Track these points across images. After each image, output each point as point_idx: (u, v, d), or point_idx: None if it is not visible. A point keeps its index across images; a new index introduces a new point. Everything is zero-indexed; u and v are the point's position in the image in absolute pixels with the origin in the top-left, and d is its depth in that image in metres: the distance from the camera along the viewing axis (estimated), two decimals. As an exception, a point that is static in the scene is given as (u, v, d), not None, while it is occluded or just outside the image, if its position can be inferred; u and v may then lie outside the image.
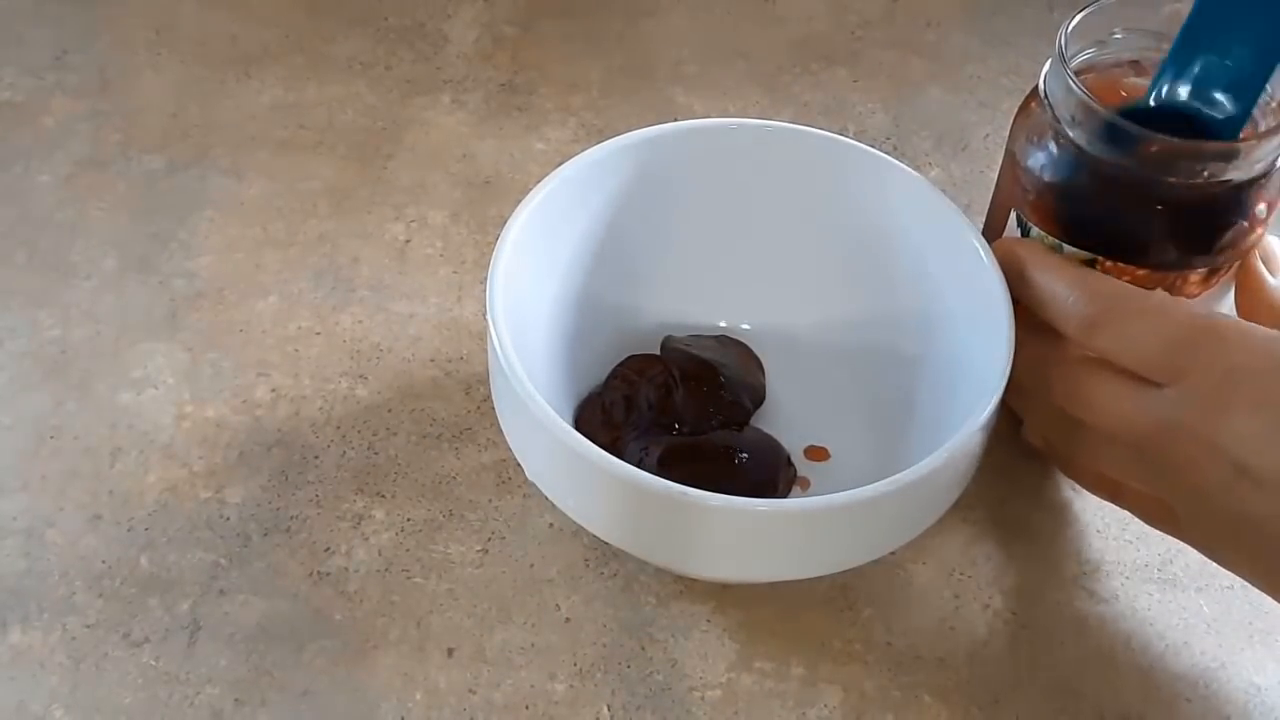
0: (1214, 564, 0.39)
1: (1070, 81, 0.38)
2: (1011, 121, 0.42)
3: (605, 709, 0.39)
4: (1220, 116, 0.38)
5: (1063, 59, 0.38)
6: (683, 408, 0.43)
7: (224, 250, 0.51)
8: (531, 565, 0.42)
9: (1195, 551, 0.39)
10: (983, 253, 0.40)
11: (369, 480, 0.44)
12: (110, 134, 0.55)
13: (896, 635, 0.41)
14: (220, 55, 0.59)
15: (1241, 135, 0.38)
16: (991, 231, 0.43)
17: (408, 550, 0.43)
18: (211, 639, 0.40)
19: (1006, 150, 0.42)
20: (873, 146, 0.44)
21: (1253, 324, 0.37)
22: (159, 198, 0.53)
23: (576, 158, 0.42)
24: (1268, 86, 0.38)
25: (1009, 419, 0.41)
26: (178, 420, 0.46)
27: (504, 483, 0.44)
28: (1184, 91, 0.38)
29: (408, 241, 0.52)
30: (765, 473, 0.42)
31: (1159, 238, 0.38)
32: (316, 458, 0.45)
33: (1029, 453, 0.44)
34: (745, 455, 0.42)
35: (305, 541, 0.43)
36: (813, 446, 0.44)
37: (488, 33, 0.61)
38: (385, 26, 0.61)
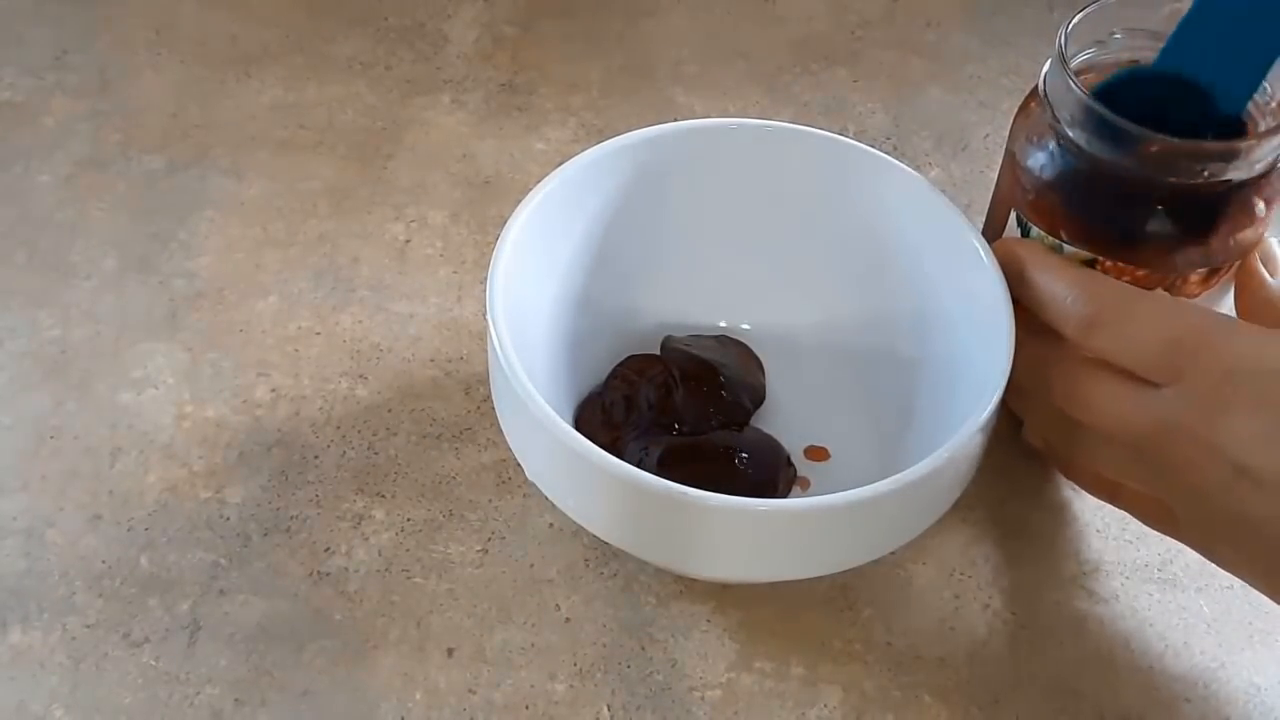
0: (1214, 564, 0.39)
1: (1070, 81, 0.38)
2: (1011, 121, 0.42)
3: (605, 709, 0.39)
4: (1226, 88, 0.38)
5: (1063, 59, 0.38)
6: (683, 408, 0.43)
7: (224, 250, 0.51)
8: (531, 565, 0.42)
9: (1195, 551, 0.39)
10: (983, 253, 0.40)
11: (369, 480, 0.44)
12: (110, 134, 0.55)
13: (896, 635, 0.41)
14: (220, 55, 0.59)
15: (1241, 135, 0.38)
16: (991, 231, 0.43)
17: (408, 550, 0.43)
18: (211, 639, 0.40)
19: (1006, 150, 0.42)
20: (873, 146, 0.44)
21: (1252, 324, 0.37)
22: (159, 198, 0.53)
23: (576, 158, 0.42)
24: (1266, 84, 0.38)
25: (1009, 419, 0.41)
26: (178, 420, 0.46)
27: (504, 483, 0.44)
28: (1193, 59, 0.38)
29: (408, 241, 0.52)
30: (765, 473, 0.42)
31: (1159, 238, 0.38)
32: (316, 458, 0.45)
33: (1029, 453, 0.44)
34: (745, 455, 0.42)
35: (305, 541, 0.43)
36: (813, 446, 0.44)
37: (488, 33, 0.61)
38: (385, 26, 0.61)
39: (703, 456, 0.42)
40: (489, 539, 0.43)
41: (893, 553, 0.38)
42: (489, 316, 0.38)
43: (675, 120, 0.44)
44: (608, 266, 0.44)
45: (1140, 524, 0.42)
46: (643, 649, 0.41)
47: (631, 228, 0.44)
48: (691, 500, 0.34)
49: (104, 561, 0.42)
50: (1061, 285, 0.38)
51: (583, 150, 0.43)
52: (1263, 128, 0.38)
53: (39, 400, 0.46)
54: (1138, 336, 0.36)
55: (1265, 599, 0.37)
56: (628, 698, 0.40)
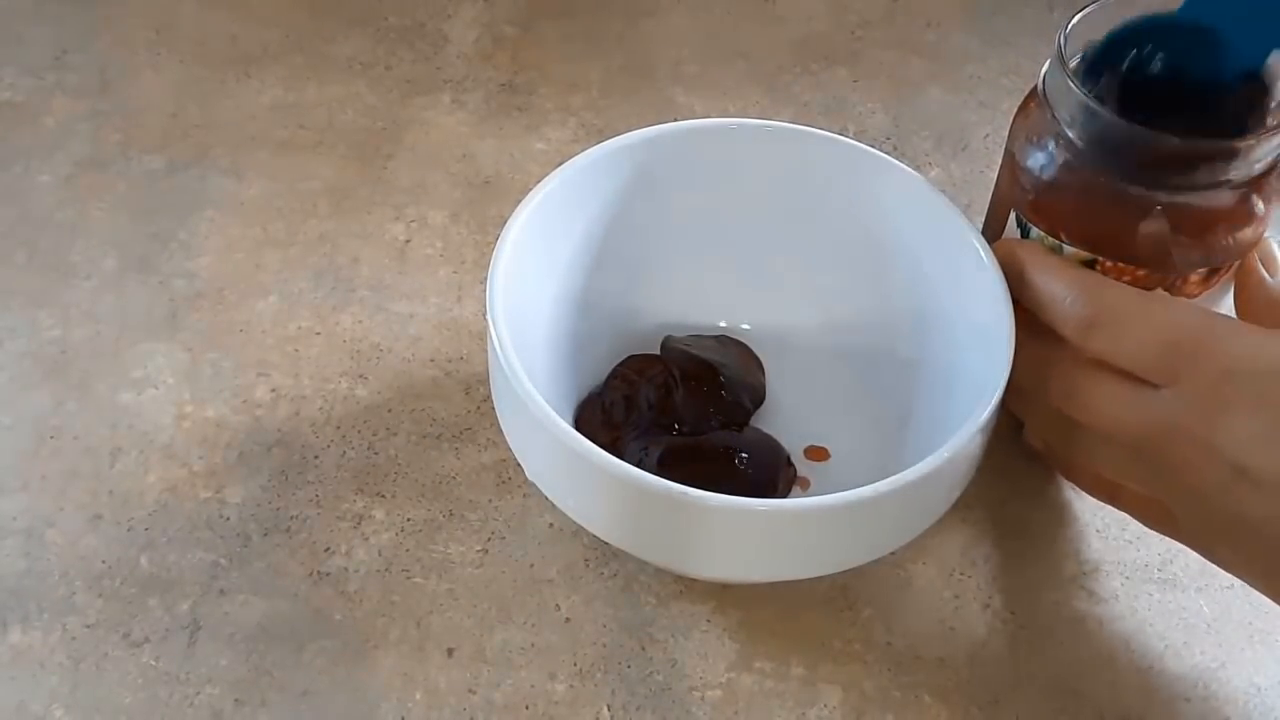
0: (1213, 564, 0.39)
1: (1070, 81, 0.38)
2: (1011, 121, 0.42)
3: (605, 709, 0.39)
4: (1246, 40, 0.37)
5: (1063, 59, 0.38)
6: (683, 408, 0.43)
7: (224, 250, 0.51)
8: (531, 565, 0.42)
9: (1194, 552, 0.39)
10: (983, 253, 0.40)
11: (369, 480, 0.44)
12: (110, 134, 0.55)
13: (896, 635, 0.41)
14: (220, 55, 0.59)
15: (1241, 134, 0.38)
16: (991, 232, 0.43)
17: (408, 550, 0.43)
18: (211, 639, 0.40)
19: (1006, 150, 0.42)
20: (873, 146, 0.44)
21: (1251, 324, 0.37)
22: (159, 198, 0.53)
23: (576, 158, 0.42)
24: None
25: (1009, 420, 0.41)
26: (178, 420, 0.46)
27: (504, 483, 0.44)
28: (1215, 7, 0.37)
29: (408, 241, 0.52)
30: (765, 473, 0.42)
31: (1159, 238, 0.38)
32: (316, 458, 0.45)
33: (1029, 453, 0.44)
34: (745, 455, 0.42)
35: (305, 541, 0.43)
36: (813, 446, 0.44)
37: (488, 33, 0.61)
38: (385, 26, 0.61)
39: (703, 456, 0.42)
40: (489, 539, 0.43)
41: (893, 553, 0.38)
42: (489, 316, 0.38)
43: (675, 120, 0.44)
44: (608, 266, 0.44)
45: (1140, 524, 0.42)
46: (643, 649, 0.41)
47: (631, 228, 0.44)
48: (691, 500, 0.34)
49: (104, 561, 0.42)
50: (1061, 286, 0.38)
51: (583, 150, 0.43)
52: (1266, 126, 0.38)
53: (39, 400, 0.46)
54: (1136, 337, 0.36)
55: (1265, 599, 0.37)
56: (628, 698, 0.40)
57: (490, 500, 0.44)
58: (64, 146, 0.55)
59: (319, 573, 0.42)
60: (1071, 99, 0.38)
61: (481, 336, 0.48)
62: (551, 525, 0.43)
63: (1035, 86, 0.40)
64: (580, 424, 0.43)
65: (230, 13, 0.61)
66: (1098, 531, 0.44)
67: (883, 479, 0.35)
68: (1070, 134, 0.38)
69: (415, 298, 0.50)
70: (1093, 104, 0.37)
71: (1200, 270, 0.39)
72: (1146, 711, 0.40)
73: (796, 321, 0.46)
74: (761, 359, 0.46)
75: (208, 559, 0.42)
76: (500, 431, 0.40)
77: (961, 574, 0.43)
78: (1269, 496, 0.34)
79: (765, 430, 0.44)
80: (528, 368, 0.37)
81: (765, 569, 0.38)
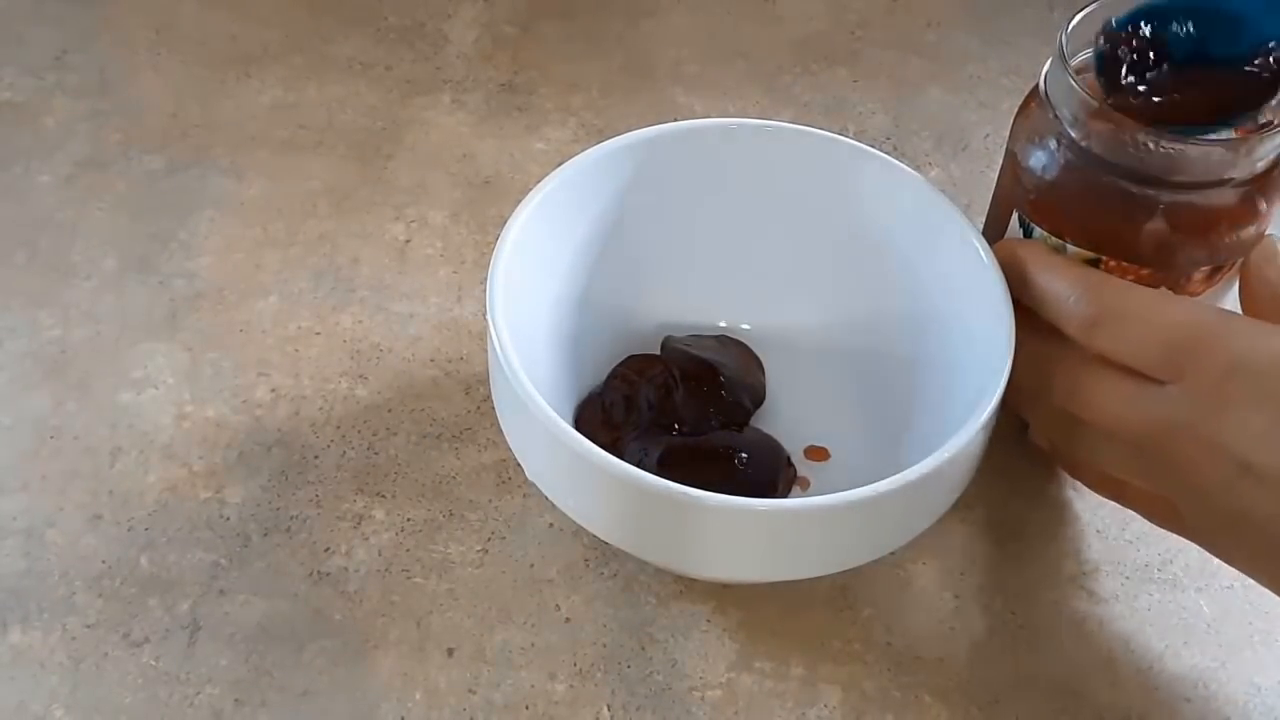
0: (1214, 564, 0.39)
1: (1071, 81, 0.38)
2: (1012, 121, 0.42)
3: (605, 709, 0.39)
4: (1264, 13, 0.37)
5: (1063, 59, 0.38)
6: (683, 408, 0.43)
7: (224, 250, 0.51)
8: (531, 565, 0.42)
9: (1195, 551, 0.39)
10: (983, 253, 0.40)
11: (369, 480, 0.44)
12: (110, 134, 0.55)
13: (896, 635, 0.41)
14: (220, 55, 0.59)
15: (1239, 132, 0.38)
16: (993, 232, 0.43)
17: (408, 550, 0.43)
18: (211, 639, 0.40)
19: (1007, 150, 0.42)
20: (873, 146, 0.44)
21: (1254, 320, 0.37)
22: (159, 198, 0.53)
23: (576, 158, 0.42)
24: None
25: (1010, 420, 0.41)
26: (178, 420, 0.46)
27: (504, 483, 0.44)
28: None
29: (408, 241, 0.52)
30: (765, 473, 0.42)
31: (1162, 236, 0.38)
32: (316, 458, 0.45)
33: (1029, 453, 0.44)
34: (745, 455, 0.42)
35: (305, 541, 0.43)
36: (813, 446, 0.44)
37: (488, 33, 0.61)
38: (385, 26, 0.61)
39: (703, 456, 0.42)
40: (489, 539, 0.43)
41: (893, 553, 0.38)
42: (489, 316, 0.38)
43: (675, 120, 0.44)
44: (608, 266, 0.44)
45: (1141, 524, 0.42)
46: (643, 649, 0.41)
47: (632, 227, 0.44)
48: (691, 500, 0.34)
49: (104, 561, 0.42)
50: (1064, 284, 0.38)
51: (583, 150, 0.43)
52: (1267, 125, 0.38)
53: (39, 400, 0.46)
54: (1141, 334, 0.36)
55: (1266, 598, 0.37)
56: (628, 698, 0.40)
57: (490, 500, 0.44)
58: (64, 146, 0.55)
59: (319, 573, 0.42)
60: (1073, 98, 0.38)
61: (481, 336, 0.48)
62: (551, 525, 0.43)
63: (1036, 86, 0.40)
64: (580, 424, 0.43)
65: (230, 13, 0.61)
66: (1098, 531, 0.44)
67: (883, 479, 0.35)
68: (1071, 133, 0.38)
69: (415, 298, 0.50)
70: (1094, 103, 0.37)
71: (1203, 268, 0.39)
72: (1146, 711, 0.40)
73: (796, 321, 0.46)
74: (761, 359, 0.46)
75: (208, 559, 0.42)
76: (500, 431, 0.40)
77: (961, 574, 0.43)
78: (1274, 492, 0.34)
79: (765, 430, 0.44)
80: (528, 368, 0.37)
81: (765, 569, 0.38)
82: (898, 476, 0.35)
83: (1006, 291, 0.39)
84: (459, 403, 0.46)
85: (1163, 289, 0.39)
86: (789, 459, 0.43)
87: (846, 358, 0.46)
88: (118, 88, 0.57)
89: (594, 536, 0.38)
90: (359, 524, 0.43)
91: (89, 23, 0.60)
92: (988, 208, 0.44)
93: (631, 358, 0.45)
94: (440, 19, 0.61)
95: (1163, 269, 0.39)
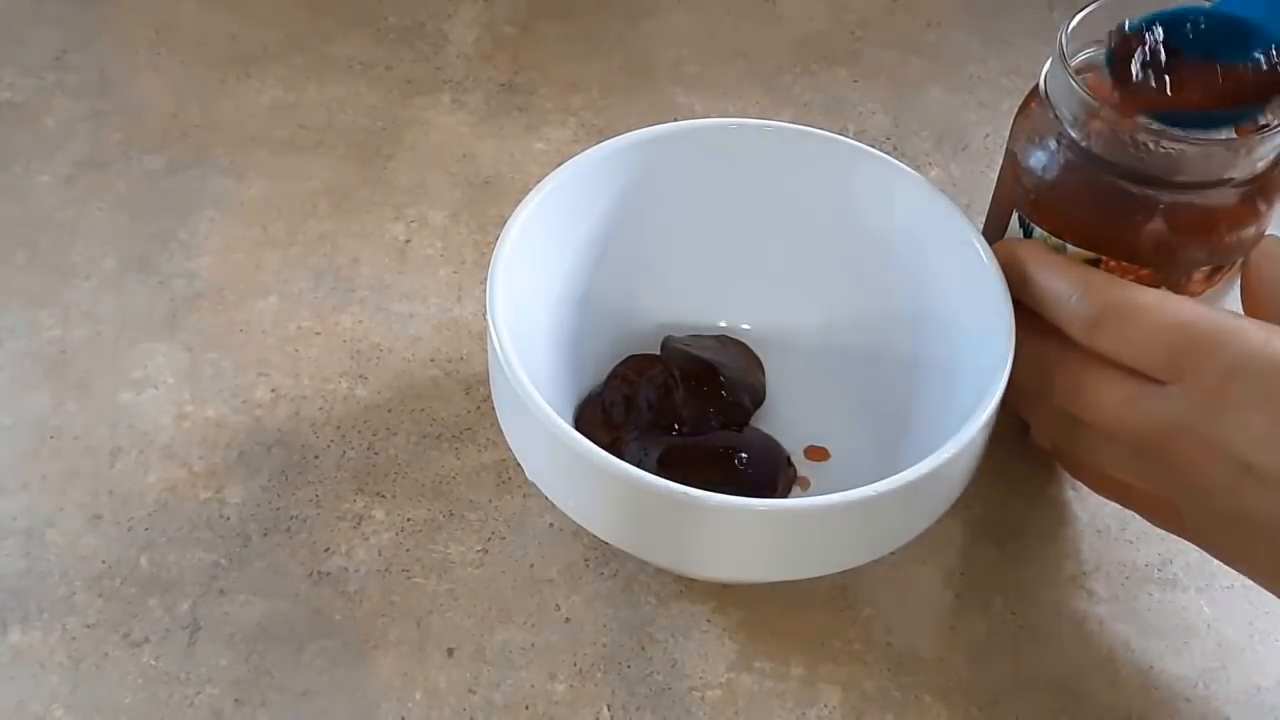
0: (1214, 564, 0.39)
1: (1071, 81, 0.38)
2: (1012, 121, 0.42)
3: (605, 709, 0.39)
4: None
5: (1063, 58, 0.38)
6: (683, 408, 0.43)
7: (224, 250, 0.51)
8: (531, 565, 0.42)
9: (1195, 551, 0.39)
10: (983, 253, 0.40)
11: (369, 480, 0.44)
12: (110, 134, 0.55)
13: (896, 635, 0.41)
14: (220, 55, 0.59)
15: (1240, 132, 0.38)
16: (993, 231, 0.43)
17: (408, 550, 0.43)
18: (211, 639, 0.40)
19: (1007, 150, 0.42)
20: (873, 146, 0.44)
21: (1256, 321, 0.37)
22: (159, 198, 0.53)
23: (576, 158, 0.42)
24: None
25: (1011, 420, 0.41)
26: (178, 420, 0.46)
27: (504, 483, 0.44)
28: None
29: (408, 241, 0.52)
30: (765, 473, 0.42)
31: (1162, 236, 0.38)
32: (316, 458, 0.45)
33: (1029, 453, 0.44)
34: (745, 455, 0.42)
35: (305, 541, 0.43)
36: (813, 446, 0.44)
37: (488, 33, 0.61)
38: (385, 26, 0.61)
39: (703, 456, 0.42)
40: (489, 539, 0.43)
41: (893, 553, 0.38)
42: (489, 316, 0.38)
43: (675, 120, 0.44)
44: (608, 266, 0.44)
45: (1141, 524, 0.42)
46: (643, 649, 0.41)
47: (631, 228, 0.44)
48: (691, 500, 0.34)
49: (104, 561, 0.42)
50: (1065, 284, 0.38)
51: (583, 150, 0.43)
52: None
53: (39, 400, 0.46)
54: (1142, 335, 0.36)
55: (1265, 598, 0.37)
56: (628, 698, 0.40)
57: (490, 500, 0.44)
58: (64, 146, 0.54)
59: (319, 573, 0.42)
60: (1073, 98, 0.38)
61: (481, 336, 0.48)
62: (551, 525, 0.43)
63: (1035, 86, 0.40)
64: (580, 424, 0.43)
65: (230, 13, 0.61)
66: (1098, 531, 0.44)
67: (883, 479, 0.35)
68: (1072, 133, 0.38)
69: (415, 298, 0.50)
70: (1094, 103, 0.37)
71: (1203, 268, 0.39)
72: (1146, 711, 0.40)
73: (796, 321, 0.46)
74: (761, 359, 0.46)
75: (208, 559, 0.42)
76: (500, 431, 0.40)
77: (961, 574, 0.43)
78: (1275, 494, 0.34)
79: (765, 430, 0.44)
80: (528, 368, 0.37)
81: (765, 569, 0.38)
82: (897, 477, 0.35)
83: (1006, 291, 0.39)
84: (459, 403, 0.46)
85: (1163, 289, 0.39)
86: (789, 459, 0.43)
87: (846, 358, 0.46)
88: (118, 88, 0.57)
89: (594, 536, 0.38)
90: (359, 524, 0.43)
91: (89, 23, 0.60)
92: (988, 208, 0.44)
93: (631, 358, 0.45)
94: (440, 19, 0.61)
95: (1163, 269, 0.39)
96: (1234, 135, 0.38)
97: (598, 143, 0.43)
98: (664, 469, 0.39)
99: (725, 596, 0.42)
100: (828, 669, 0.41)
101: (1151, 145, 0.37)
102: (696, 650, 0.41)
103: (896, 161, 0.43)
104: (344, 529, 0.43)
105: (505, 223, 0.40)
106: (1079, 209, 0.39)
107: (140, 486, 0.44)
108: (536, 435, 0.37)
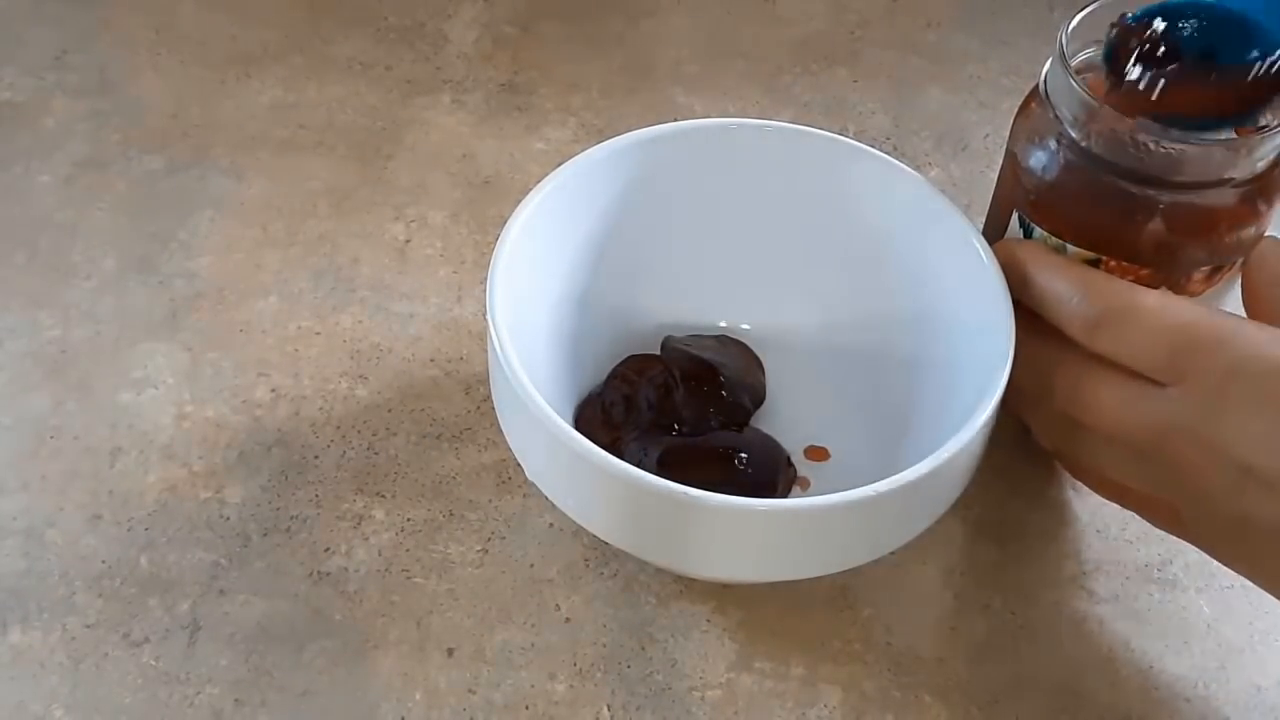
0: (1214, 564, 0.39)
1: (1071, 81, 0.38)
2: (1012, 121, 0.42)
3: (605, 709, 0.39)
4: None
5: (1063, 58, 0.38)
6: (683, 408, 0.43)
7: (224, 250, 0.51)
8: (531, 565, 0.42)
9: (1195, 552, 0.39)
10: (983, 253, 0.40)
11: (369, 480, 0.44)
12: (110, 134, 0.55)
13: (896, 635, 0.41)
14: (220, 55, 0.59)
15: (1240, 133, 0.38)
16: (993, 232, 0.43)
17: (408, 550, 0.43)
18: (211, 639, 0.40)
19: (1007, 150, 0.42)
20: (873, 146, 0.44)
21: (1256, 323, 0.37)
22: (159, 198, 0.53)
23: (576, 158, 0.42)
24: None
25: (1011, 420, 0.41)
26: (178, 420, 0.46)
27: (504, 483, 0.44)
28: None
29: (408, 241, 0.52)
30: (765, 473, 0.42)
31: (1162, 237, 0.38)
32: (316, 458, 0.45)
33: (1029, 453, 0.44)
34: (745, 455, 0.42)
35: (305, 541, 0.43)
36: (813, 446, 0.44)
37: (488, 33, 0.61)
38: (385, 26, 0.61)
39: (703, 456, 0.42)
40: (489, 539, 0.43)
41: (893, 553, 0.38)
42: (489, 316, 0.38)
43: (675, 120, 0.44)
44: (608, 266, 0.44)
45: (1141, 524, 0.42)
46: (643, 649, 0.41)
47: (631, 228, 0.44)
48: (691, 500, 0.34)
49: (104, 561, 0.42)
50: (1065, 285, 0.38)
51: (583, 150, 0.43)
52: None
53: (39, 400, 0.46)
54: (1143, 336, 0.36)
55: (1265, 598, 0.37)
56: (628, 698, 0.40)
57: (490, 500, 0.44)
58: (64, 146, 0.54)
59: (319, 573, 0.42)
60: (1073, 98, 0.38)
61: (481, 336, 0.48)
62: (551, 525, 0.43)
63: (1035, 86, 0.40)
64: (580, 424, 0.43)
65: (230, 13, 0.61)
66: (1098, 531, 0.44)
67: (883, 479, 0.35)
68: (1072, 134, 0.38)
69: (415, 298, 0.50)
70: (1094, 103, 0.37)
71: (1203, 269, 0.39)
72: (1146, 711, 0.40)
73: (796, 321, 0.46)
74: (761, 359, 0.46)
75: (208, 559, 0.42)
76: (500, 431, 0.40)
77: (962, 574, 0.43)
78: (1276, 496, 0.34)
79: (765, 430, 0.44)
80: (528, 368, 0.37)
81: (765, 569, 0.38)
82: (897, 477, 0.35)
83: (1006, 292, 0.39)
84: (459, 403, 0.46)
85: (1163, 289, 0.39)
86: (789, 459, 0.43)
87: (846, 358, 0.46)
88: (118, 88, 0.57)
89: (594, 536, 0.38)
90: (359, 524, 0.43)
91: (89, 23, 0.60)
92: (988, 208, 0.44)
93: (631, 358, 0.45)
94: (440, 19, 0.61)
95: (1163, 269, 0.39)
96: (1234, 135, 0.38)
97: (598, 143, 0.43)
98: (664, 469, 0.39)
99: (725, 596, 0.42)
100: (828, 669, 0.41)
101: (1151, 145, 0.37)
102: (696, 650, 0.41)
103: (896, 161, 0.43)
104: (344, 529, 0.43)
105: (505, 223, 0.40)
106: (1079, 209, 0.39)
107: (140, 486, 0.44)
108: (536, 435, 0.37)
